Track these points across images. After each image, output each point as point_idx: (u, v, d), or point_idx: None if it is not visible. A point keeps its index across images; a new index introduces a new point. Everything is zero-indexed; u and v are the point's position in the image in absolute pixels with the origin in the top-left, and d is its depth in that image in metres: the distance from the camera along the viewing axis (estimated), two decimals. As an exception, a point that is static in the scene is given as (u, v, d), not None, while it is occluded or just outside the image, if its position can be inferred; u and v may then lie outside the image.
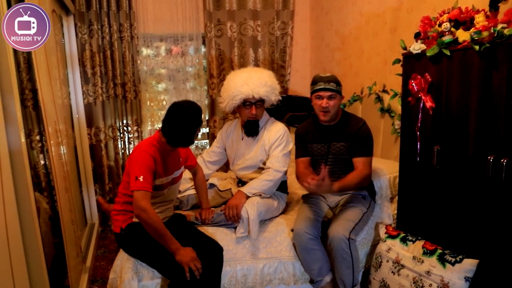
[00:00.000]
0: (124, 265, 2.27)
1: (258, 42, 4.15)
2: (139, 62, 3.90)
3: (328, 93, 2.44)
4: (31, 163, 3.49)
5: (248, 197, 2.49)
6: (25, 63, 3.46)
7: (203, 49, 4.17)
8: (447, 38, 2.06)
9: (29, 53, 3.45)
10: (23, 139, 1.77)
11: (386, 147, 3.12)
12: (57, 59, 2.98)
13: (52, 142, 2.35)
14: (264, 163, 2.66)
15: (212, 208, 2.57)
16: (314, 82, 2.52)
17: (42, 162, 3.61)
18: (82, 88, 3.73)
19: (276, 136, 2.62)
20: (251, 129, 2.67)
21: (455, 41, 2.03)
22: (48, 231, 2.68)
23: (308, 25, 4.43)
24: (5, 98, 1.64)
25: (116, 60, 3.78)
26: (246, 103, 2.60)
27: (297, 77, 4.35)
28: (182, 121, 2.18)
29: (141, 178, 2.08)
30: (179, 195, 2.71)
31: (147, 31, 3.91)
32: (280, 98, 2.71)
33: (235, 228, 2.47)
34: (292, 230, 2.45)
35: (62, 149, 2.66)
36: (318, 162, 2.59)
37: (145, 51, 4.02)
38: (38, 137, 3.59)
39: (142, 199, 2.06)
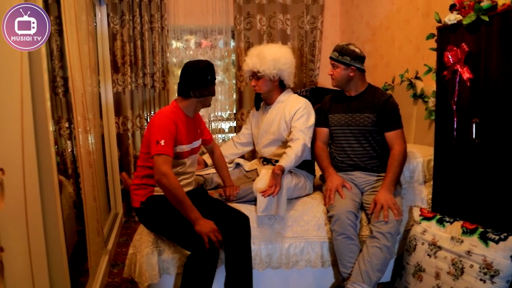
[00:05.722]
0: (144, 239, 2.21)
1: (288, 35, 4.12)
2: (168, 54, 3.92)
3: (331, 62, 2.56)
4: (58, 150, 3.55)
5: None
6: (58, 50, 3.53)
7: (232, 43, 4.16)
8: (485, 4, 1.96)
9: (62, 41, 3.54)
10: (50, 128, 1.75)
11: (419, 134, 2.99)
12: (88, 47, 3.03)
13: (80, 129, 2.36)
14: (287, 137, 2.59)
15: (236, 185, 2.50)
16: None
17: (69, 149, 3.65)
18: (111, 77, 3.77)
19: (297, 107, 2.56)
20: (256, 100, 2.79)
21: (494, 7, 1.94)
22: (71, 215, 2.66)
23: (338, 19, 4.37)
24: (35, 84, 1.64)
25: (146, 50, 3.81)
26: (250, 76, 2.67)
27: (326, 72, 4.26)
28: (193, 68, 2.20)
29: (162, 142, 2.04)
30: (203, 173, 2.66)
31: (177, 23, 3.93)
32: (292, 71, 2.69)
33: None
34: (330, 216, 2.32)
35: (89, 137, 2.65)
36: (338, 133, 2.58)
37: (175, 44, 4.05)
38: (66, 124, 3.63)
39: (163, 164, 2.02)
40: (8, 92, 1.42)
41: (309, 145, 2.50)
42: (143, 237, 2.23)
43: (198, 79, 2.18)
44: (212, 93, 2.27)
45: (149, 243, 2.18)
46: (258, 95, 2.74)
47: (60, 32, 3.52)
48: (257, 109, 2.80)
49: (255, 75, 2.61)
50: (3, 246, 1.30)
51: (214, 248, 1.99)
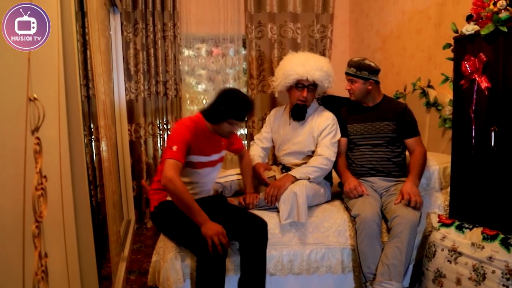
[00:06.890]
0: (167, 245, 2.24)
1: (298, 44, 4.16)
2: (180, 62, 3.96)
3: (349, 77, 2.63)
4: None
5: (295, 180, 2.43)
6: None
7: (243, 51, 4.21)
8: (504, 15, 2.01)
9: (84, 51, 3.57)
10: (82, 134, 1.80)
11: (433, 142, 3.03)
12: (105, 55, 3.06)
13: (103, 137, 2.40)
14: (313, 152, 2.62)
15: (256, 193, 2.53)
16: None
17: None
18: (125, 84, 3.79)
19: (326, 123, 2.60)
20: (298, 113, 2.65)
21: (512, 18, 1.99)
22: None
23: (347, 28, 4.43)
24: (69, 95, 1.68)
25: (159, 58, 3.85)
26: (299, 84, 2.60)
27: (335, 80, 4.27)
28: (222, 98, 2.20)
29: (174, 148, 2.09)
30: (222, 181, 2.69)
31: (189, 32, 3.99)
32: (332, 86, 2.72)
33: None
34: (353, 217, 2.37)
35: (109, 144, 2.68)
36: (357, 141, 2.65)
37: (186, 52, 4.09)
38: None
39: (171, 169, 2.04)
40: (49, 97, 1.45)
41: (333, 159, 2.55)
42: (165, 243, 2.25)
43: (214, 102, 2.22)
44: (215, 122, 2.22)
45: (172, 248, 2.21)
46: (304, 107, 2.65)
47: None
48: (302, 120, 2.68)
49: (309, 87, 2.60)
50: (47, 252, 1.31)
51: (217, 252, 2.00)
